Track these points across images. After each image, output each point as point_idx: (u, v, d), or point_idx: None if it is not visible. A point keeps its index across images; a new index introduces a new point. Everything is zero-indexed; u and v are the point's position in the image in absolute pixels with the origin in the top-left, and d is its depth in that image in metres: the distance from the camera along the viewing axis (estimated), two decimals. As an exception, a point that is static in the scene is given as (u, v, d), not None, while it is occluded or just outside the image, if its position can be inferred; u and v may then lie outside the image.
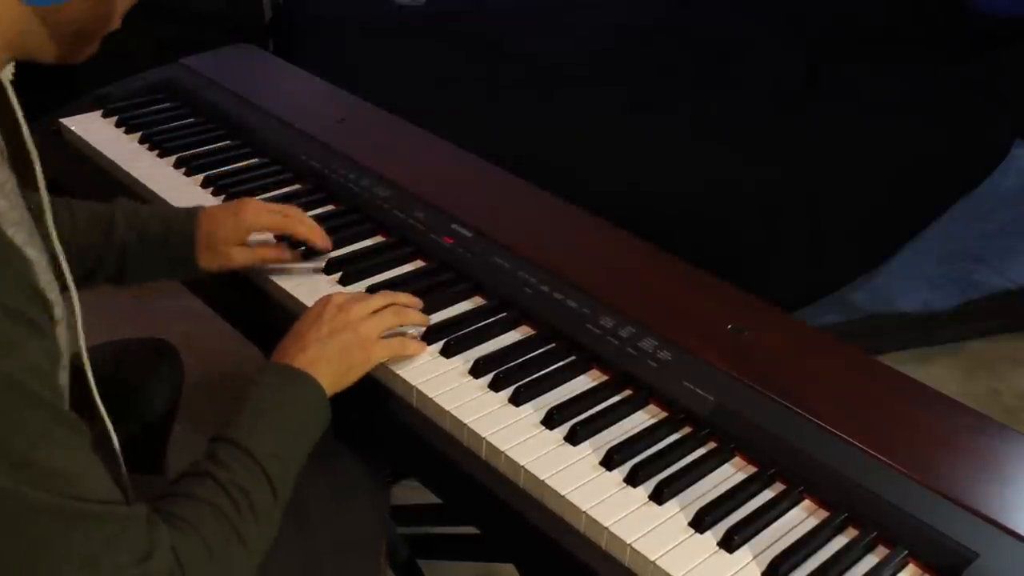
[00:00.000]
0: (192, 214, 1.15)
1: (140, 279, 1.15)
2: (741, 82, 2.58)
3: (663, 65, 2.65)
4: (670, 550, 0.83)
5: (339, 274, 1.18)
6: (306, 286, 1.16)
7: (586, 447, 0.94)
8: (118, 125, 1.55)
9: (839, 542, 0.86)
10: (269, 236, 1.19)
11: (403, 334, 1.06)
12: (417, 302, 1.10)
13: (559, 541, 0.87)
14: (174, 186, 1.38)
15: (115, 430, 1.21)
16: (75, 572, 0.69)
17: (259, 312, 1.18)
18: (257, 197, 1.33)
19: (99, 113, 1.58)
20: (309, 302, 1.11)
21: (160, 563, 0.73)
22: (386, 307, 1.04)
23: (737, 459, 0.95)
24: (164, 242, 1.13)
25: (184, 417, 1.45)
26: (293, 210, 1.19)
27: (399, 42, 2.69)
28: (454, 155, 1.50)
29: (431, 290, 1.15)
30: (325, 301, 1.02)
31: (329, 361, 0.96)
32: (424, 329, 1.08)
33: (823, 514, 0.89)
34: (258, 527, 0.83)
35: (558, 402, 0.99)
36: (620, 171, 2.22)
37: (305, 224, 1.18)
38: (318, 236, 1.18)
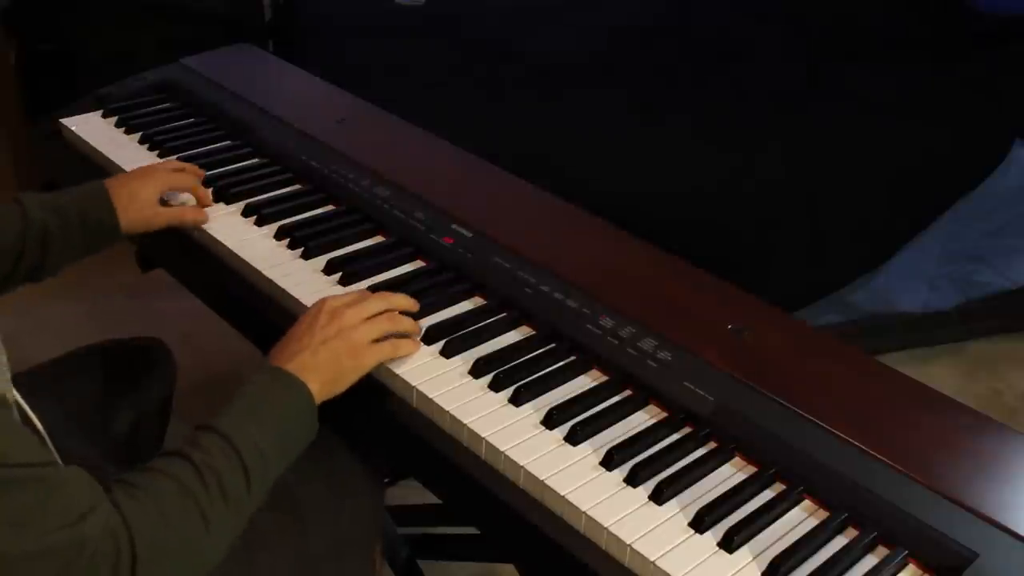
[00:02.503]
0: (98, 185, 1.19)
1: (60, 265, 1.15)
2: (741, 82, 2.58)
3: (663, 65, 2.65)
4: (670, 550, 0.83)
5: (339, 274, 1.18)
6: (306, 286, 1.16)
7: (586, 447, 0.94)
8: (118, 125, 1.55)
9: (839, 542, 0.86)
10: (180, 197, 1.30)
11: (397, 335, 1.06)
12: (413, 304, 1.10)
13: (559, 541, 0.87)
14: (174, 186, 1.37)
15: (106, 428, 1.21)
16: (1, 537, 0.69)
17: (258, 312, 1.18)
18: (262, 197, 1.35)
19: (99, 113, 1.58)
20: (308, 302, 1.11)
21: (94, 526, 0.73)
22: (381, 313, 1.04)
23: (737, 459, 0.95)
24: (84, 216, 1.14)
25: (182, 417, 1.45)
26: (191, 167, 1.32)
27: (399, 42, 2.69)
28: (454, 155, 1.49)
29: (431, 290, 1.15)
30: (319, 306, 1.03)
31: (319, 370, 0.96)
32: (421, 330, 1.08)
33: (823, 514, 0.89)
34: (227, 510, 0.83)
35: (558, 402, 0.99)
36: (620, 171, 2.22)
37: (202, 188, 1.30)
38: (206, 199, 1.31)
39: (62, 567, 0.72)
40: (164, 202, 1.27)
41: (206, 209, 1.29)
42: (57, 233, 1.12)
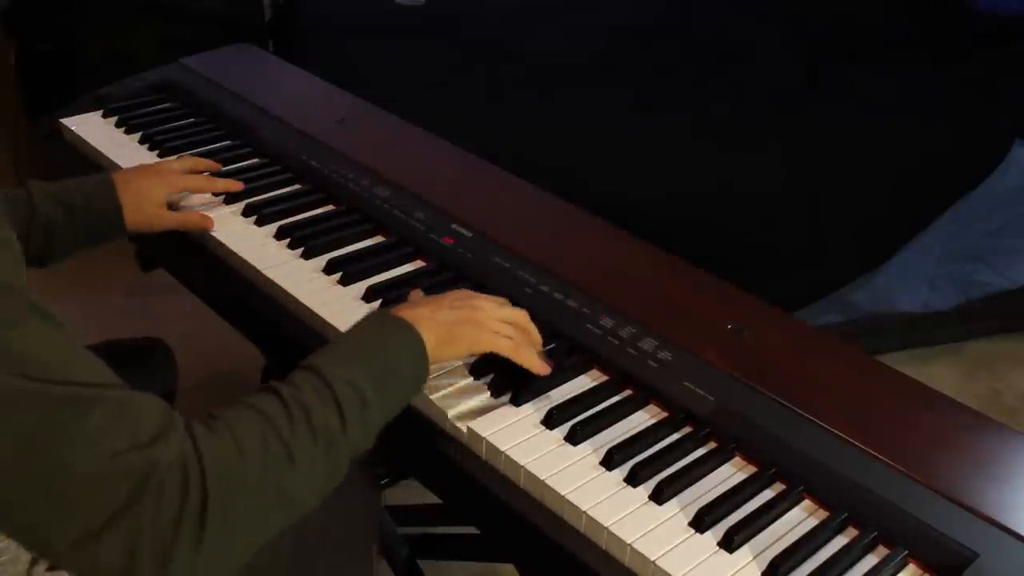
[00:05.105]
0: (106, 180, 1.20)
1: (63, 255, 1.17)
2: (741, 82, 2.59)
3: (663, 65, 2.65)
4: (670, 550, 0.83)
5: (339, 274, 1.18)
6: (306, 286, 1.16)
7: (586, 447, 0.94)
8: (118, 125, 1.55)
9: (839, 542, 0.86)
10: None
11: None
12: (538, 340, 1.03)
13: (559, 541, 0.87)
14: (174, 186, 1.37)
15: None
16: (72, 455, 0.68)
17: (258, 312, 1.18)
18: (262, 196, 1.34)
19: (99, 113, 1.58)
20: (308, 302, 1.11)
21: (165, 452, 0.70)
22: (515, 321, 1.00)
23: (737, 459, 0.95)
24: (89, 211, 1.16)
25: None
26: (205, 164, 1.34)
27: (399, 42, 2.69)
28: (454, 155, 1.49)
29: (431, 290, 1.15)
30: (452, 291, 1.02)
31: (436, 323, 0.92)
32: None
33: (823, 514, 0.89)
34: (315, 447, 0.79)
35: (558, 402, 0.99)
36: (620, 171, 2.23)
37: (220, 181, 1.32)
38: (232, 185, 1.32)
39: (132, 492, 0.69)
40: (173, 204, 1.27)
41: (210, 212, 1.28)
42: (62, 225, 1.15)
